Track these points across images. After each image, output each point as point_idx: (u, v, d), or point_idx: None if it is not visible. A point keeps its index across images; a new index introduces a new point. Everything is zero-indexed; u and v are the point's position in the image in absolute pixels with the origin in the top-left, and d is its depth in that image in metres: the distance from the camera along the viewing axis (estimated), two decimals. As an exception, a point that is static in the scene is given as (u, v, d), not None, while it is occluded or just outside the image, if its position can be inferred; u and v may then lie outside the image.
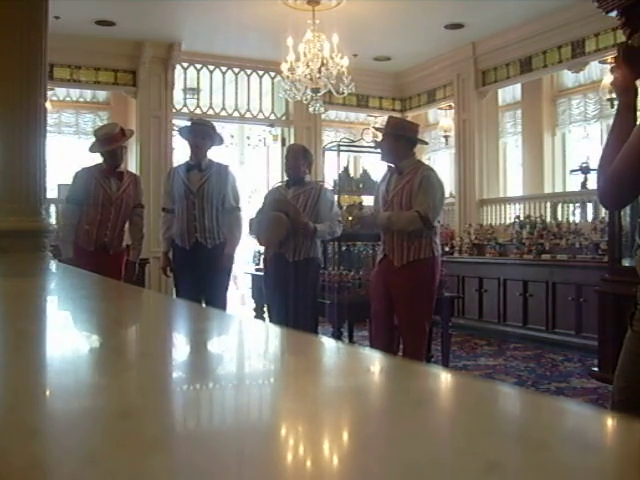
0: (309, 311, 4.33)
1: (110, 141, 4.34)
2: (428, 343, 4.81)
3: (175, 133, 7.82)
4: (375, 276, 3.98)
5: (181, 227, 4.33)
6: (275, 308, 4.37)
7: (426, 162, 9.22)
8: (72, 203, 4.37)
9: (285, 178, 4.54)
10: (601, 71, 6.84)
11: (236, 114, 8.33)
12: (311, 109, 6.86)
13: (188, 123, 4.72)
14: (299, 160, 4.32)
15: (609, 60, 6.01)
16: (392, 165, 3.91)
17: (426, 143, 4.14)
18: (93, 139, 4.51)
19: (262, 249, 4.51)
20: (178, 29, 7.23)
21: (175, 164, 6.02)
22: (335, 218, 4.30)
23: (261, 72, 8.33)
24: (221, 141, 4.56)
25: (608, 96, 6.04)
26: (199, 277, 4.28)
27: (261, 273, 4.59)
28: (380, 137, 4.06)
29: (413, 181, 3.78)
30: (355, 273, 4.54)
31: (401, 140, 3.85)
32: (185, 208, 4.31)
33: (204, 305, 4.24)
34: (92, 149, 4.43)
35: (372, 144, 5.72)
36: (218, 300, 4.25)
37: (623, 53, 1.80)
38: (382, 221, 3.78)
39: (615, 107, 1.84)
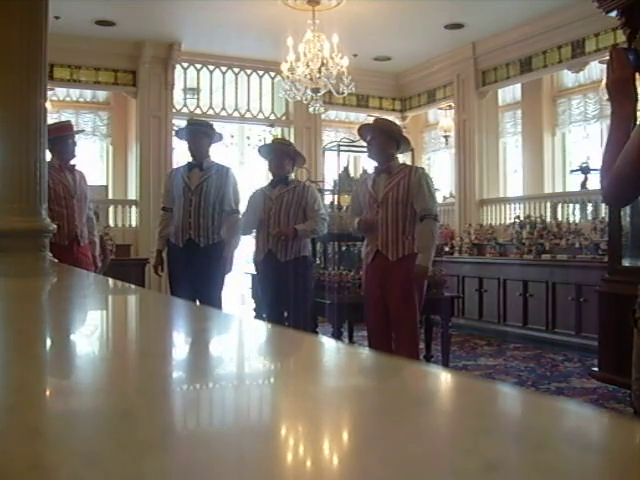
0: (308, 310, 4.33)
1: (61, 129, 4.26)
2: (428, 343, 4.82)
3: (173, 134, 7.84)
4: (369, 276, 3.98)
5: (176, 224, 4.32)
6: (272, 309, 4.37)
7: (426, 162, 9.28)
8: None
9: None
10: (601, 71, 6.83)
11: (236, 114, 8.33)
12: (311, 109, 6.86)
13: (185, 123, 4.71)
14: (284, 159, 4.30)
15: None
16: (378, 166, 3.94)
17: (411, 149, 4.17)
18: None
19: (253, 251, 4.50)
20: (178, 29, 7.23)
21: (175, 164, 6.00)
22: (319, 217, 4.29)
23: (261, 72, 8.33)
24: (220, 137, 4.56)
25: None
26: (192, 276, 4.26)
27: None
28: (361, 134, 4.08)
29: (409, 178, 3.84)
30: (355, 273, 4.54)
31: (392, 141, 3.89)
32: (182, 205, 4.30)
33: (198, 304, 4.23)
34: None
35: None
36: (212, 300, 4.22)
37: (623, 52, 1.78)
38: (428, 264, 3.84)
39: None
